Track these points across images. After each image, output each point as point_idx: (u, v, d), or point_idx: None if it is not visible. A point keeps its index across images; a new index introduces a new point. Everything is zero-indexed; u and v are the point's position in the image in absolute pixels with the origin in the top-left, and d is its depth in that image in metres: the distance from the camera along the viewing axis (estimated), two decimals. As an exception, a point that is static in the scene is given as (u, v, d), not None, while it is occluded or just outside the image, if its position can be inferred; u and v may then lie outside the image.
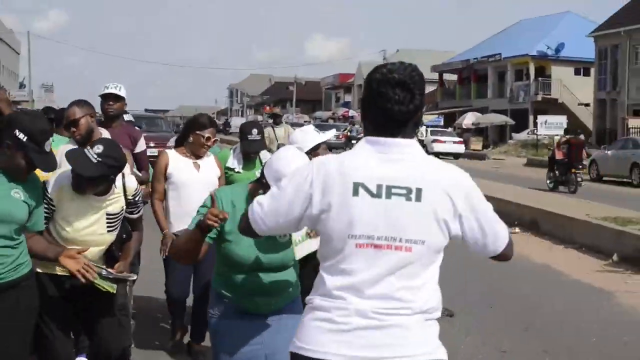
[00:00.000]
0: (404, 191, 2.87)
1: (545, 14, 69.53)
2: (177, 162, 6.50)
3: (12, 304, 4.34)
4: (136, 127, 8.07)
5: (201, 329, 6.58)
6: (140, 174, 6.82)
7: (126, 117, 8.21)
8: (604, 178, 30.06)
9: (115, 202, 4.86)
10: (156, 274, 7.34)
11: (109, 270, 4.75)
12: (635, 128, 43.71)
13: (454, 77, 72.89)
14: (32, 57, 68.80)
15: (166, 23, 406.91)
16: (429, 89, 56.67)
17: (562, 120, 47.71)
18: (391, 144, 2.92)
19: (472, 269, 9.80)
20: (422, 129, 45.95)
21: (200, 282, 6.41)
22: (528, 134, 53.60)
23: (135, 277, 5.25)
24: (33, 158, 4.22)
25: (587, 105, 56.92)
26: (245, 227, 3.17)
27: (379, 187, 2.88)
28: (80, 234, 4.74)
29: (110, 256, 5.00)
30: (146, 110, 58.48)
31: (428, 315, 2.93)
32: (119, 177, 4.86)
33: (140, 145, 7.10)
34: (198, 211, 4.05)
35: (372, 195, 2.88)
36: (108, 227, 4.84)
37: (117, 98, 6.96)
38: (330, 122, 70.68)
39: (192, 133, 6.52)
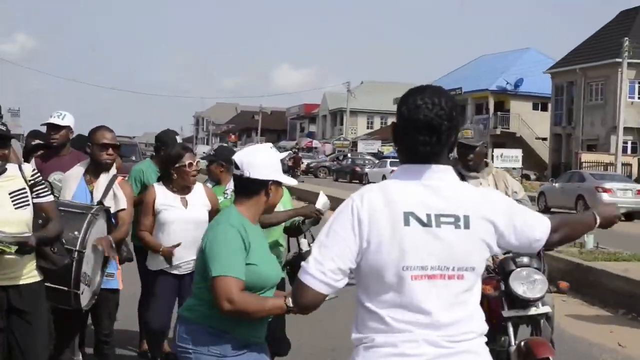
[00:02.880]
0: (452, 219, 2.84)
1: (508, 50, 71.10)
2: (164, 198, 6.23)
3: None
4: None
5: None
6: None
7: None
8: (552, 209, 30.89)
9: (12, 181, 4.82)
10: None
11: (4, 232, 4.58)
12: (587, 162, 44.76)
13: (417, 109, 73.70)
14: (-2, 81, 68.66)
15: (132, 49, 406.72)
16: (390, 121, 56.81)
17: (518, 153, 48.66)
18: (428, 170, 2.88)
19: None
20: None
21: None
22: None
23: (29, 236, 4.71)
24: None
25: (544, 139, 58.03)
26: (308, 300, 2.89)
27: (428, 216, 2.83)
28: None
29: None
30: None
31: (484, 337, 2.96)
32: (14, 165, 4.93)
33: None
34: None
35: (422, 224, 2.82)
36: (14, 204, 4.77)
37: (59, 127, 6.75)
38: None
39: (172, 169, 6.22)
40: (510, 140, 58.29)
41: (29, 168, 5.02)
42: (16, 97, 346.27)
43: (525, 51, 67.99)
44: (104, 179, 6.00)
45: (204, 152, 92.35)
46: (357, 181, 48.52)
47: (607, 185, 29.14)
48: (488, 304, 5.49)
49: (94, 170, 6.02)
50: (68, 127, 6.80)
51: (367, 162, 54.33)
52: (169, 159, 6.28)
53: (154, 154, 7.92)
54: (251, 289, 3.69)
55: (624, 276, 10.77)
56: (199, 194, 6.31)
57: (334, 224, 2.84)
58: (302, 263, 2.88)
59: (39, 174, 5.04)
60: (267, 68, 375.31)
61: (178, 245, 6.06)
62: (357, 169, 51.60)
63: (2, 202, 4.75)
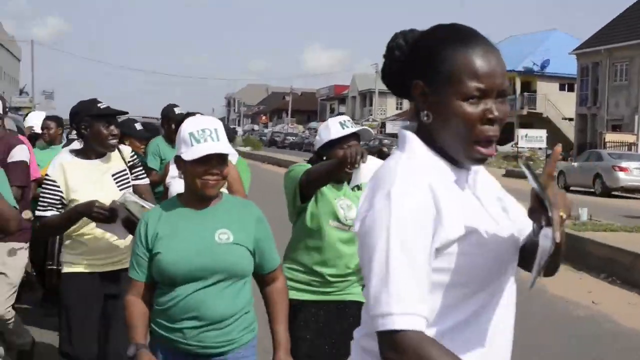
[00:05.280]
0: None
1: (534, 31, 71.55)
2: (173, 171, 5.84)
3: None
4: (19, 136, 7.05)
5: None
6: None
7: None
8: (571, 188, 31.67)
9: (114, 162, 4.87)
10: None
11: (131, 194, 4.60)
12: (611, 142, 45.29)
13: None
14: (33, 64, 70.17)
15: (163, 32, 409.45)
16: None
17: (542, 134, 49.43)
18: None
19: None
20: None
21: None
22: (512, 146, 55.29)
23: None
24: None
25: (570, 119, 58.55)
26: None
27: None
28: (94, 195, 4.59)
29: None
30: (143, 117, 59.60)
31: None
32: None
33: (14, 155, 5.76)
34: None
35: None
36: (118, 186, 4.80)
37: None
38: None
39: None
40: (537, 120, 58.86)
41: (128, 150, 5.09)
42: (50, 79, 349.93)
43: (551, 32, 68.45)
44: None
45: (241, 134, 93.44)
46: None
47: (624, 164, 29.75)
48: None
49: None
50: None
51: (393, 142, 55.22)
52: (177, 126, 6.38)
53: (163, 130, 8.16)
54: (161, 282, 3.41)
55: (606, 244, 11.91)
56: None
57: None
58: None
59: (136, 156, 5.10)
60: (297, 50, 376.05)
61: None
62: (384, 149, 52.44)
63: (108, 184, 4.80)
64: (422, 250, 1.93)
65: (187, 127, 3.41)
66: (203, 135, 3.37)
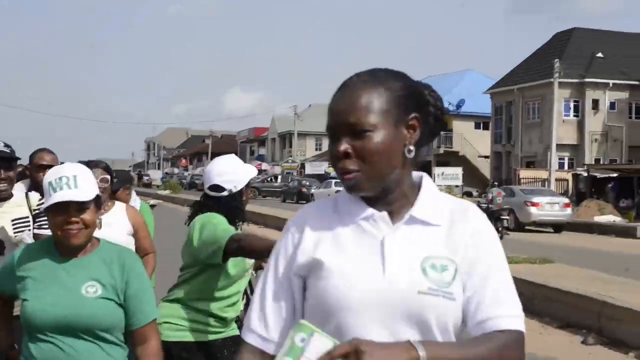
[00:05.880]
0: None
1: (449, 71, 73.01)
2: None
3: None
4: None
5: None
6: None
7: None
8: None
9: (17, 208, 4.78)
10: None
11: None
12: (525, 178, 46.29)
13: (364, 131, 75.15)
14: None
15: (83, 76, 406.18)
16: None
17: (458, 171, 50.33)
18: None
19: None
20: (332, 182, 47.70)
21: None
22: (496, 186, 55.96)
23: None
24: None
25: (486, 157, 59.70)
26: None
27: None
28: None
29: None
30: (61, 163, 58.79)
31: None
32: (21, 190, 5.03)
33: None
34: None
35: None
36: (15, 229, 4.70)
37: None
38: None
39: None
40: (453, 158, 59.89)
41: (36, 198, 4.92)
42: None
43: (466, 72, 70.10)
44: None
45: (161, 177, 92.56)
46: (304, 201, 49.53)
47: (535, 199, 30.59)
48: None
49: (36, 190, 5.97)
50: None
51: (312, 183, 55.35)
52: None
53: None
54: (29, 330, 3.27)
55: (518, 277, 11.95)
56: (118, 213, 5.75)
57: None
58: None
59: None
60: (218, 93, 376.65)
61: None
62: (304, 190, 52.63)
63: (4, 228, 4.69)
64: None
65: (47, 176, 3.29)
66: (60, 184, 3.23)
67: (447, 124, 64.95)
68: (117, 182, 6.95)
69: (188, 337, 4.22)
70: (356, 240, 2.05)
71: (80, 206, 3.21)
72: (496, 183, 34.00)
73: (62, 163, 5.55)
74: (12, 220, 4.70)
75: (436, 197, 2.11)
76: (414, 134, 2.06)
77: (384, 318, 1.98)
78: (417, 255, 2.01)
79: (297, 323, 1.89)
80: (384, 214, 2.05)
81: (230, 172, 4.32)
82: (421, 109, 2.08)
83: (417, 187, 2.12)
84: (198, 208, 4.36)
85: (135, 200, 7.34)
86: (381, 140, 1.99)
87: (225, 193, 4.30)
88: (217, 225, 4.15)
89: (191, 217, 4.35)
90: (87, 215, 3.24)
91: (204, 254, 4.15)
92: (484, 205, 26.95)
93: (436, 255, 2.01)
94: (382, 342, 1.87)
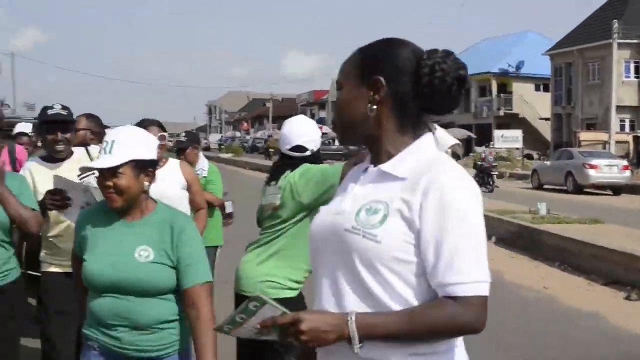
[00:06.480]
0: None
1: (507, 33, 72.39)
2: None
3: (3, 311, 4.41)
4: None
5: None
6: None
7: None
8: (545, 186, 32.47)
9: (79, 163, 4.61)
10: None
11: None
12: (585, 141, 46.06)
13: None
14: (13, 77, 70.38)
15: (144, 41, 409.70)
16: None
17: (518, 134, 50.24)
18: None
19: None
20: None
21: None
22: (487, 146, 56.04)
23: None
24: None
25: (546, 119, 59.34)
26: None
27: None
28: None
29: None
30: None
31: None
32: (80, 148, 5.12)
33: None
34: None
35: None
36: (80, 179, 4.70)
37: None
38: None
39: None
40: (513, 121, 59.61)
41: (96, 149, 4.83)
42: (31, 91, 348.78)
43: (525, 33, 69.40)
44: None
45: (217, 140, 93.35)
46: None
47: (594, 161, 30.45)
48: None
49: None
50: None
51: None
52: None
53: None
54: (87, 285, 3.40)
55: (558, 234, 12.75)
56: (172, 169, 5.98)
57: (477, 211, 2.15)
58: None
59: None
60: (277, 56, 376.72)
61: None
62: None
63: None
64: None
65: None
66: (103, 149, 3.30)
67: (453, 96, 63.53)
68: (187, 141, 7.49)
69: (292, 293, 4.29)
70: (346, 186, 2.33)
71: (113, 171, 3.23)
72: (487, 144, 37.49)
73: (106, 127, 5.74)
74: (78, 176, 4.68)
75: (419, 157, 2.18)
76: (379, 95, 2.21)
77: (327, 249, 2.23)
78: (364, 198, 2.19)
79: (255, 295, 2.09)
80: (372, 167, 2.26)
81: (311, 133, 4.45)
82: (390, 72, 2.21)
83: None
84: (283, 168, 4.40)
85: (204, 161, 7.67)
86: (344, 97, 2.28)
87: (307, 153, 4.41)
88: (320, 168, 4.25)
89: (273, 177, 4.42)
90: (120, 180, 3.24)
91: (317, 194, 4.14)
92: (479, 163, 31.51)
93: (375, 200, 2.15)
94: (320, 313, 2.12)
